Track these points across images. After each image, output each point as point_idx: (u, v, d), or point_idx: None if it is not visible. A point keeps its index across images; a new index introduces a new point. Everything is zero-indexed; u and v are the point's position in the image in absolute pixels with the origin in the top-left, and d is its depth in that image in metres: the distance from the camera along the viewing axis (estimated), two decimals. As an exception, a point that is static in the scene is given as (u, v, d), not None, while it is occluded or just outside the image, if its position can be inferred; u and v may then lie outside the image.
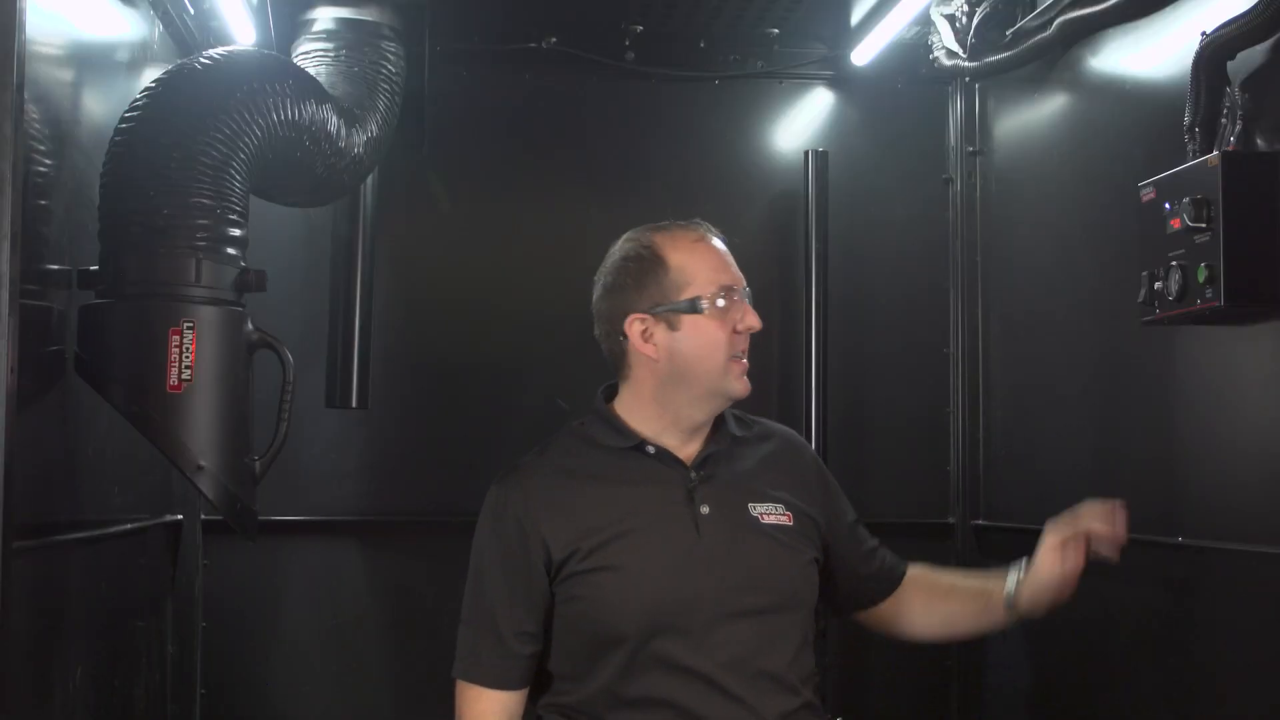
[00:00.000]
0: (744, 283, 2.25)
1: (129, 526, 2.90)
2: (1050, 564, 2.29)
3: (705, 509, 2.20)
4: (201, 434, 2.28)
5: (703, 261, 2.22)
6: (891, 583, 2.41)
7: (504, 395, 3.59)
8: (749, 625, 2.17)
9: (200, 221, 2.30)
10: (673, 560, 2.17)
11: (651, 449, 2.23)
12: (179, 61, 2.54)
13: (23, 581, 2.02)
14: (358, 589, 3.55)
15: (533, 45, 3.55)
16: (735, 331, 2.20)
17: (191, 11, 3.29)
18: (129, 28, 2.93)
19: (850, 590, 2.40)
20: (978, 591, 2.40)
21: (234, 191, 2.35)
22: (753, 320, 2.22)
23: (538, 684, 2.25)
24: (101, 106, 2.62)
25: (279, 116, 2.46)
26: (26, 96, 1.86)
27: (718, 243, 2.27)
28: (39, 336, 2.19)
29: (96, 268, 2.31)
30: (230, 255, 2.36)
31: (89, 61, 2.59)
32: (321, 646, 3.52)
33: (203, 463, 2.28)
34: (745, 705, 2.14)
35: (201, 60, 2.48)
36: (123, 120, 2.36)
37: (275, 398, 2.47)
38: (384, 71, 2.99)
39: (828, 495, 2.36)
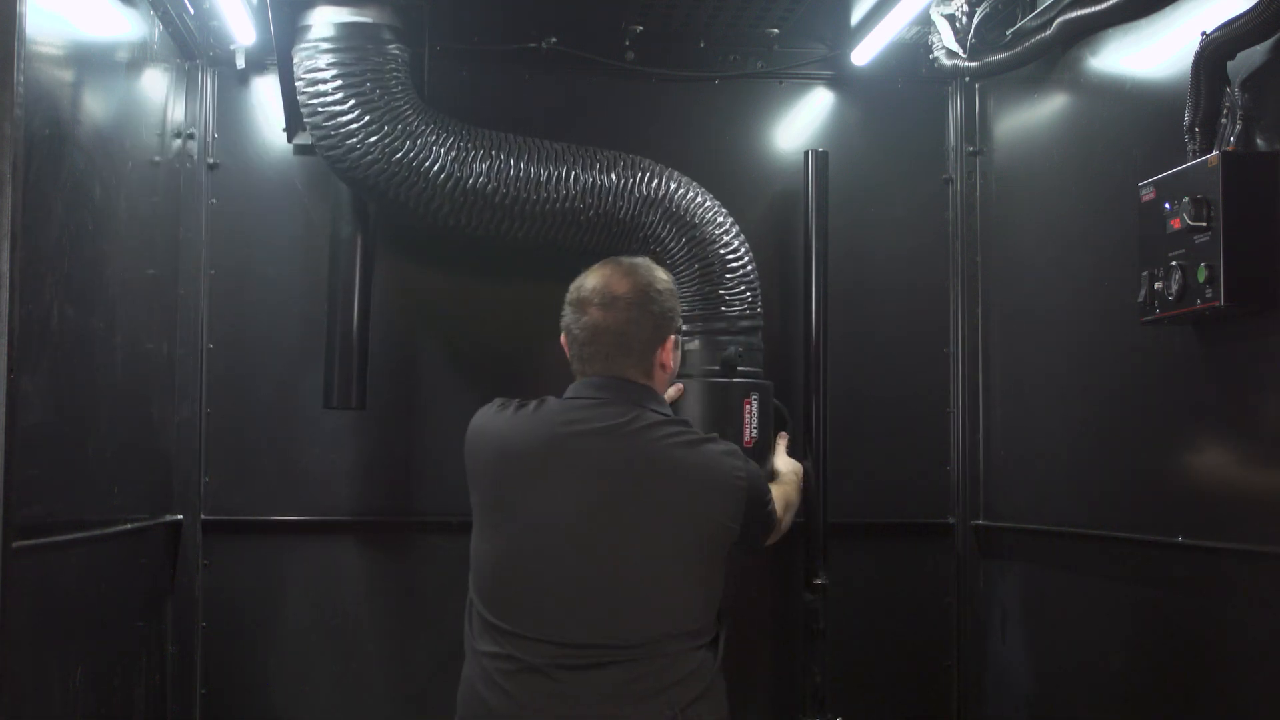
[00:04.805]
0: None
1: (129, 526, 2.90)
2: None
3: None
4: None
5: None
6: None
7: (503, 395, 3.58)
8: None
9: None
10: None
11: None
12: None
13: (23, 581, 2.02)
14: (358, 589, 3.54)
15: (533, 45, 3.55)
16: None
17: (191, 11, 3.30)
18: (129, 28, 2.93)
19: None
20: None
21: None
22: None
23: None
24: (101, 106, 2.62)
25: None
26: (26, 96, 1.86)
27: None
28: (39, 336, 2.19)
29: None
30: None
31: (89, 61, 2.59)
32: (321, 646, 3.51)
33: None
34: None
35: None
36: None
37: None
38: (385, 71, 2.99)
39: None
